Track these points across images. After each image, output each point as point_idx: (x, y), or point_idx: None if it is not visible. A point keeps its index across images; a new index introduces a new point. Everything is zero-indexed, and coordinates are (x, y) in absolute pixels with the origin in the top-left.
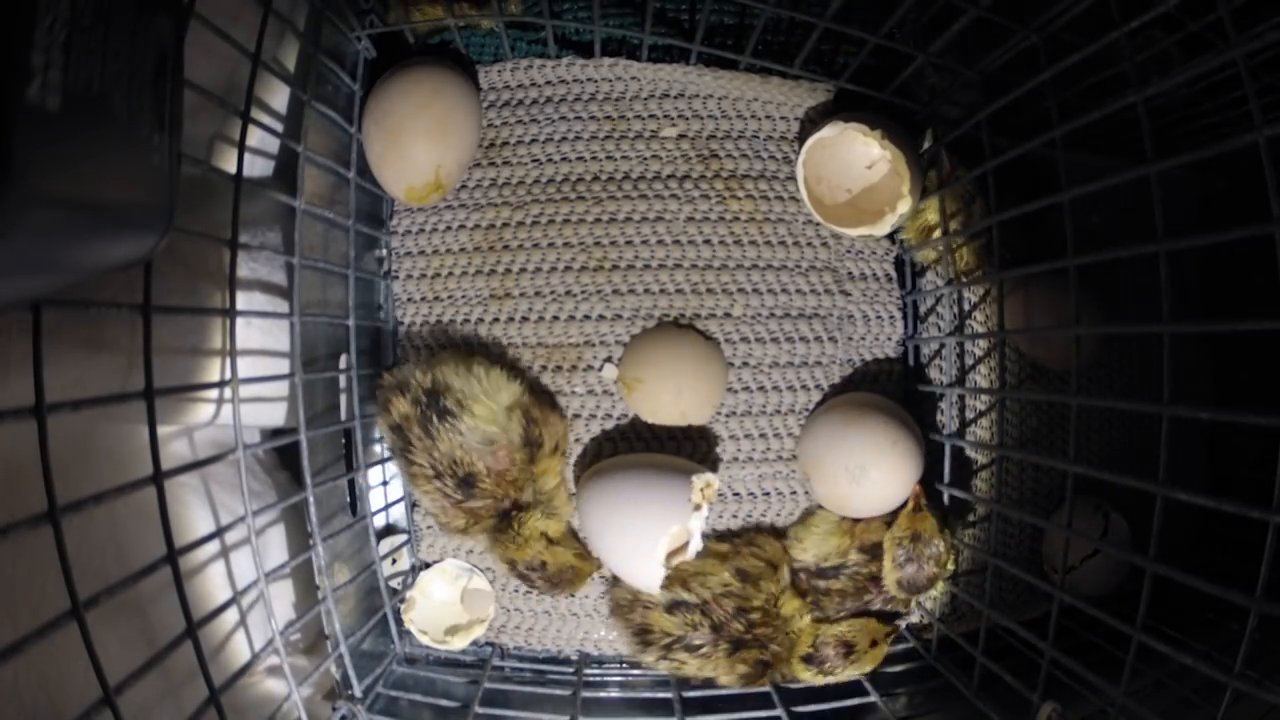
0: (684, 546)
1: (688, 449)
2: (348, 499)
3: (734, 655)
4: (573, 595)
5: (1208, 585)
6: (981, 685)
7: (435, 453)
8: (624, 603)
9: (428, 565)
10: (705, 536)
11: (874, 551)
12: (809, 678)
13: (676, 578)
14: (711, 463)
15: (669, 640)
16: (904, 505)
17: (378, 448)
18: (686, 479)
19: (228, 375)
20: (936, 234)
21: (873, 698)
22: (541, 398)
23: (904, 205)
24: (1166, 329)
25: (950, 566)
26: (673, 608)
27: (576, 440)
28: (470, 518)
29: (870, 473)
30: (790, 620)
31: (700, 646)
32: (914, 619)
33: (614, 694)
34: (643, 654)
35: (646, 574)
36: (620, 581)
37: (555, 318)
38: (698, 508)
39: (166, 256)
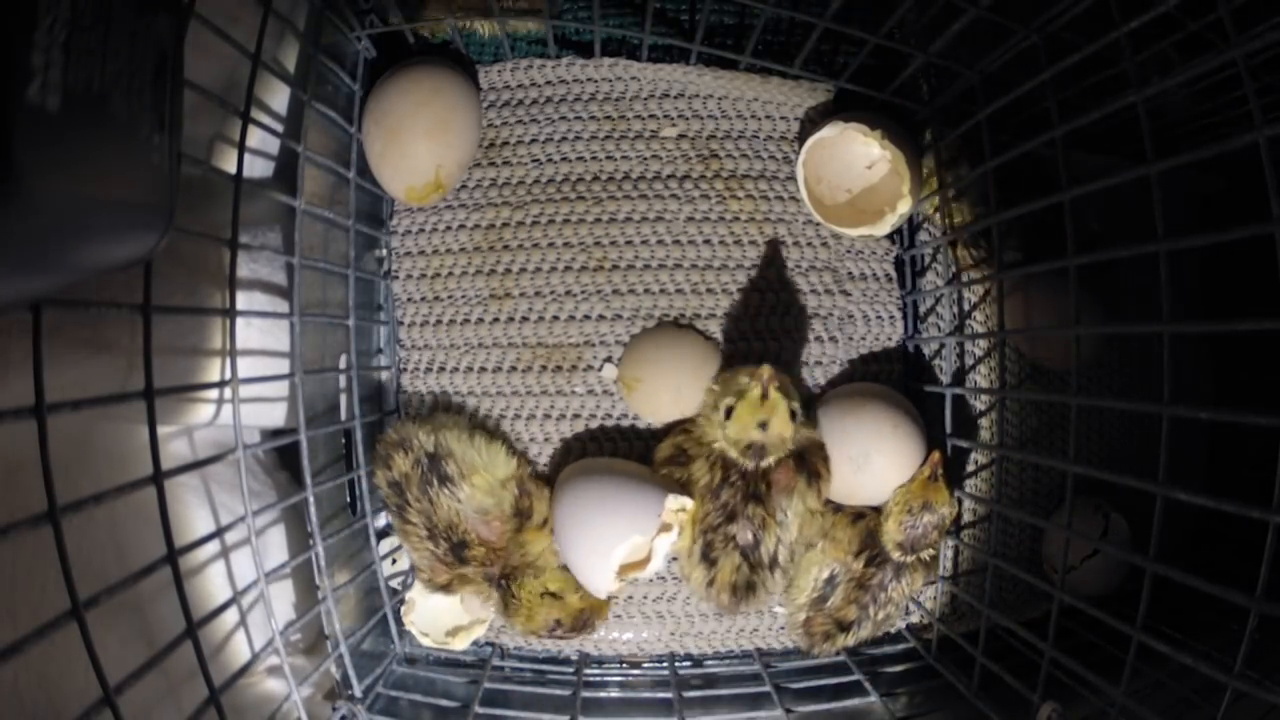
0: (643, 562)
1: None
2: (348, 499)
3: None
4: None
5: (1208, 585)
6: (981, 685)
7: (432, 516)
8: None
9: None
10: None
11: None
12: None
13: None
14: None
15: (750, 564)
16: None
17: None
18: (660, 493)
19: (228, 375)
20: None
21: (872, 698)
22: (536, 476)
23: (904, 205)
24: (1166, 329)
25: (951, 518)
26: (708, 552)
27: (576, 440)
28: (456, 578)
29: (874, 459)
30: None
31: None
32: (914, 619)
33: (614, 694)
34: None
35: (599, 577)
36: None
37: (555, 318)
38: (667, 528)
39: (166, 256)
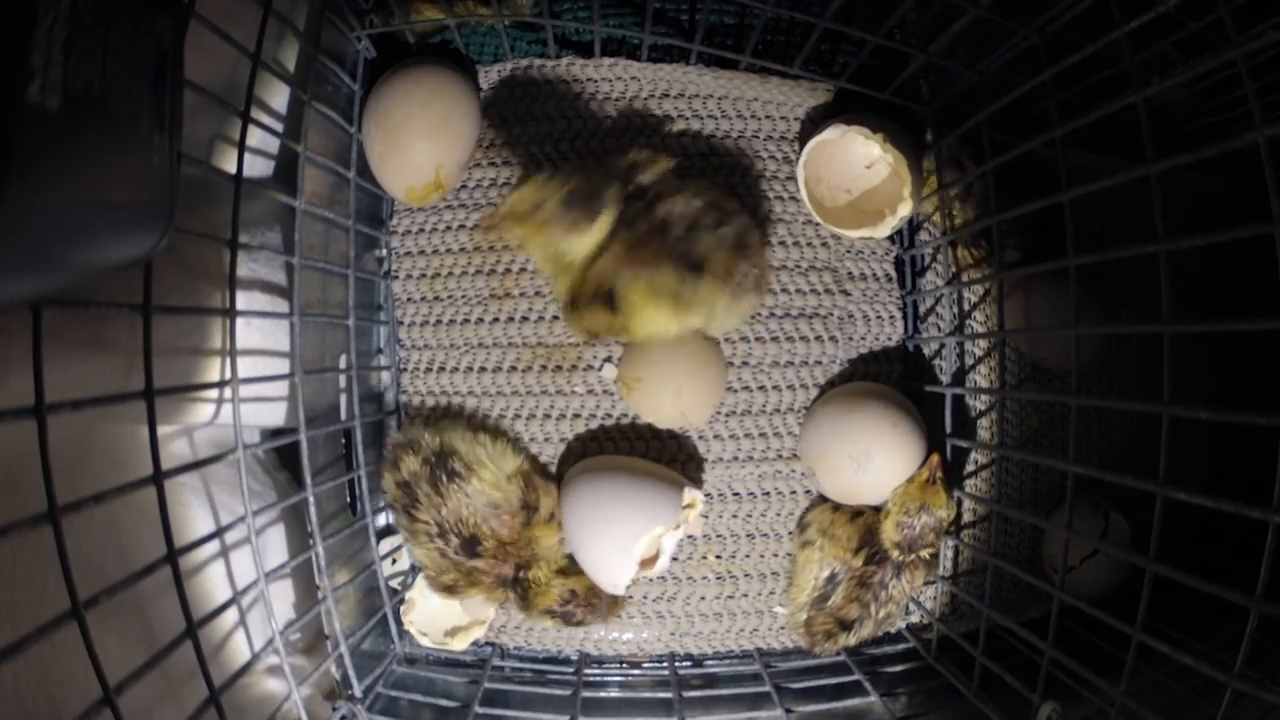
0: (653, 559)
1: (687, 448)
2: (348, 499)
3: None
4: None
5: (1208, 585)
6: (981, 685)
7: (443, 510)
8: None
9: None
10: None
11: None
12: None
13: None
14: (699, 482)
15: None
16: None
17: (378, 450)
18: (676, 487)
19: (228, 375)
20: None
21: (872, 698)
22: (542, 470)
23: (904, 208)
24: (1166, 329)
25: (949, 521)
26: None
27: (576, 439)
28: (464, 578)
29: (875, 458)
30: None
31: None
32: (914, 619)
33: (614, 694)
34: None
35: (618, 572)
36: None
37: (555, 318)
38: (677, 526)
39: (166, 256)
